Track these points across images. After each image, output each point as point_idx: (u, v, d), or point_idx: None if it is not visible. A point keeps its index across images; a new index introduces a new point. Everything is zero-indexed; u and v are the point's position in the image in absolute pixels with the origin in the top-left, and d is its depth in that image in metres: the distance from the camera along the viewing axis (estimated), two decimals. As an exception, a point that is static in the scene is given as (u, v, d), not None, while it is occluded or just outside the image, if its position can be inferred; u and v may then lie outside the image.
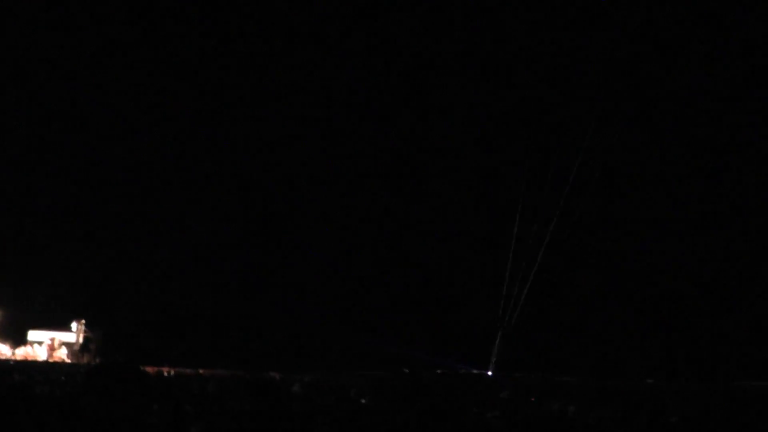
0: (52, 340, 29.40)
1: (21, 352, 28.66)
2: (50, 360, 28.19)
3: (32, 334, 29.26)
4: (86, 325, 29.94)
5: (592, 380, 23.82)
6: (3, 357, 27.79)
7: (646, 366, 25.56)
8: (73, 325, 29.90)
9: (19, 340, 29.01)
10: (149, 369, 18.14)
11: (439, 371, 25.62)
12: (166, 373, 18.43)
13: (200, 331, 28.70)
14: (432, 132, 28.83)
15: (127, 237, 31.17)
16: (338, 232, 29.83)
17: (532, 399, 12.24)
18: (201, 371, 20.44)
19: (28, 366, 22.82)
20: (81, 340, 29.89)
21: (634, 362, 26.06)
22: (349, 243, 29.77)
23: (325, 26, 28.16)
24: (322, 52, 28.27)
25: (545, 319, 26.99)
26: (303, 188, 30.73)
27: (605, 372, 25.49)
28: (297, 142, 29.44)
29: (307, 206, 30.63)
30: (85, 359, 28.29)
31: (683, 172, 25.80)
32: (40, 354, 28.72)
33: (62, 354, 29.06)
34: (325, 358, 26.32)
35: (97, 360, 26.21)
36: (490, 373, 26.66)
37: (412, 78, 27.94)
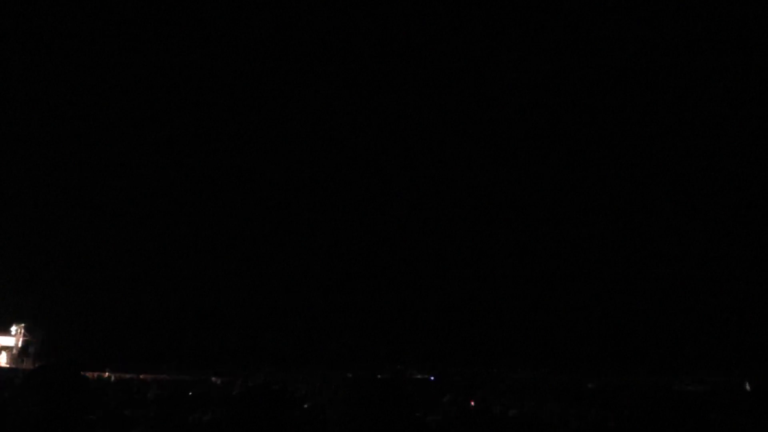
0: (-10, 344, 28.84)
1: (-42, 357, 28.08)
2: (-12, 364, 27.68)
3: (-30, 339, 28.70)
4: (26, 328, 29.45)
5: (534, 382, 24.76)
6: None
7: (590, 367, 26.67)
8: (13, 329, 29.36)
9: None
10: (89, 374, 18.28)
11: (379, 375, 26.20)
12: (106, 378, 18.53)
13: (143, 335, 28.59)
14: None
15: (68, 240, 30.76)
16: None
17: (472, 403, 12.93)
18: (142, 376, 20.54)
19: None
20: (20, 343, 29.38)
21: (578, 364, 27.10)
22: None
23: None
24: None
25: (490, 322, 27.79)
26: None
27: (547, 373, 26.52)
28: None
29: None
30: (24, 363, 27.85)
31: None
32: (-23, 358, 28.16)
33: (1, 358, 28.52)
34: (267, 361, 26.63)
35: (36, 364, 25.88)
36: (432, 378, 27.39)
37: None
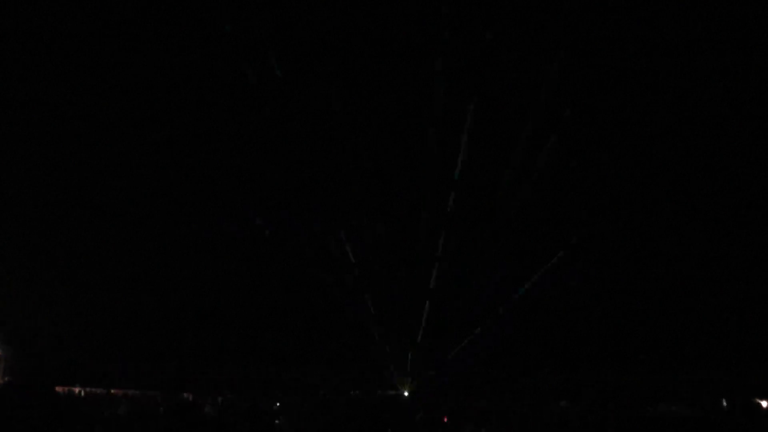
0: (-42, 359, 28.42)
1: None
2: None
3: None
4: (-5, 343, 29.11)
5: (504, 404, 25.03)
6: None
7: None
8: (-18, 344, 29.01)
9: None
10: (59, 388, 18.23)
11: (352, 393, 26.34)
12: (76, 393, 18.48)
13: (113, 350, 28.42)
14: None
15: (37, 252, 30.46)
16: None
17: (445, 420, 13.19)
18: (113, 391, 20.47)
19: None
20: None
21: (547, 387, 27.44)
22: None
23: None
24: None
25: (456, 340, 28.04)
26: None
27: (520, 396, 26.79)
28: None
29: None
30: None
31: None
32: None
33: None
34: (239, 380, 26.63)
35: (6, 379, 25.66)
36: (405, 393, 27.56)
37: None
